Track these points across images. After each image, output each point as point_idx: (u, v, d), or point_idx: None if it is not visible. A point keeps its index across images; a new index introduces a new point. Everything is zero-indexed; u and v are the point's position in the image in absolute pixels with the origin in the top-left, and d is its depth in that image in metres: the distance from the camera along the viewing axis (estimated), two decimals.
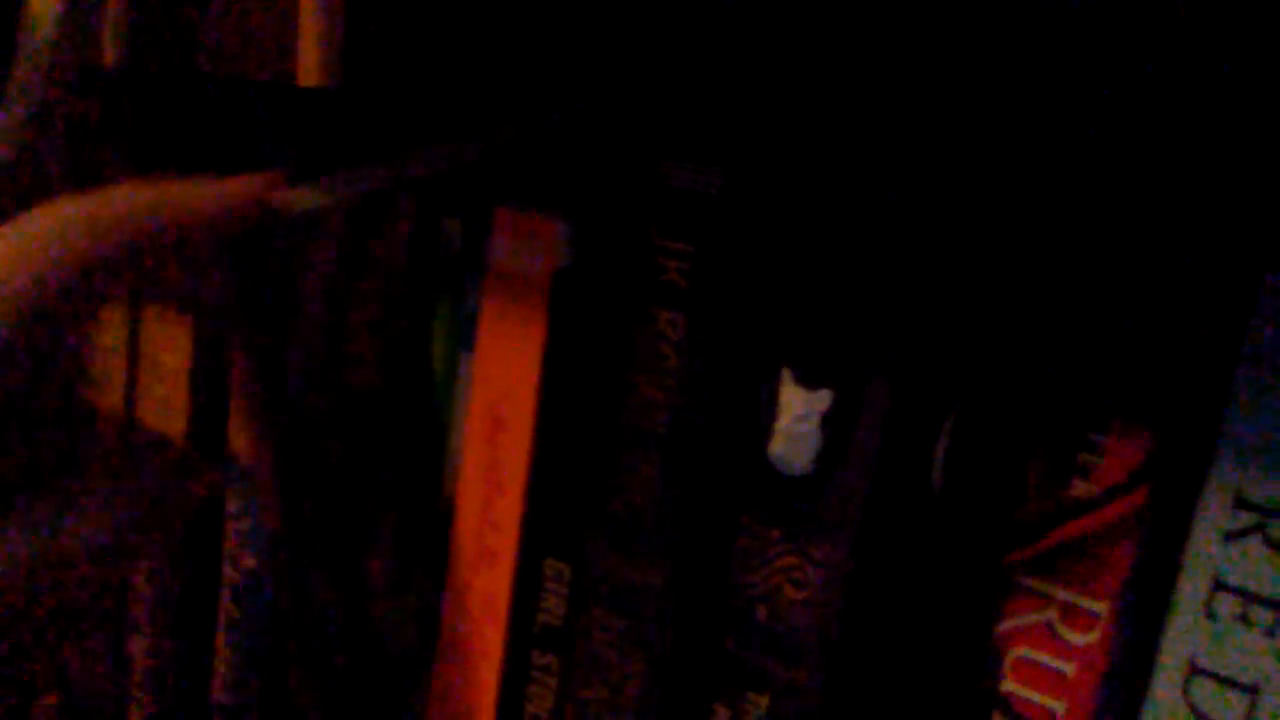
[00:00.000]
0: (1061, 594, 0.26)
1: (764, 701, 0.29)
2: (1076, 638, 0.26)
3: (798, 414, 0.28)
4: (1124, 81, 0.30)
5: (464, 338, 0.36)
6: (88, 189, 0.50)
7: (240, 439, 0.40)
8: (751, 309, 0.29)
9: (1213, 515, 0.24)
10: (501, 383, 0.35)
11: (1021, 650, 0.27)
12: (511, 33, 0.43)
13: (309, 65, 0.56)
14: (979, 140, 0.32)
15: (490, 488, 0.35)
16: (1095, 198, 0.27)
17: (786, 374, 0.28)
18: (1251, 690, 0.24)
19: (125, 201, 0.26)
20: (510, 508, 0.35)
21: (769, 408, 0.28)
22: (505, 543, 0.35)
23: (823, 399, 0.27)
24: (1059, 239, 0.27)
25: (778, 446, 0.28)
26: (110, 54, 0.50)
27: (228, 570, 0.41)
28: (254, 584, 0.41)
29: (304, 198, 0.30)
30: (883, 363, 0.27)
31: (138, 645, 0.45)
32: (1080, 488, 0.26)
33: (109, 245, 0.25)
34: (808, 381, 0.28)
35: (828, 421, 0.27)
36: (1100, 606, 0.26)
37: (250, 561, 0.41)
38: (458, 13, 0.41)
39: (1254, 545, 0.24)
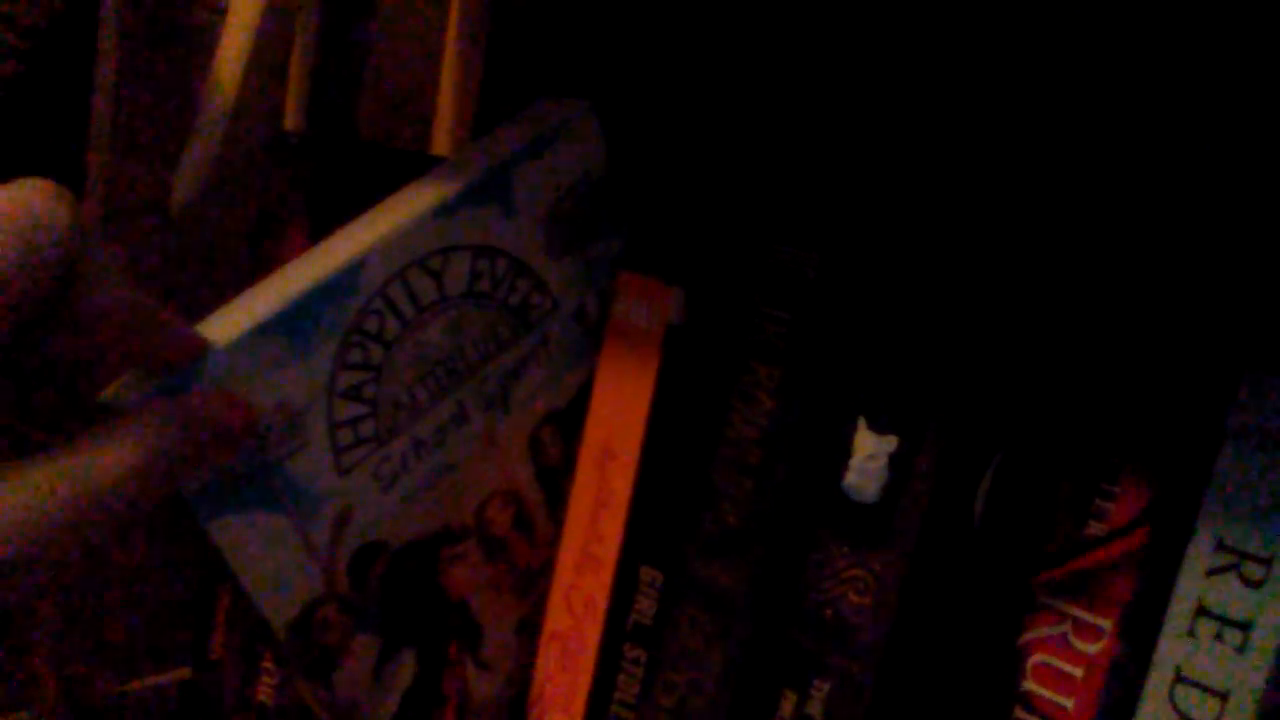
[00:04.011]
0: (1075, 611, 0.32)
1: (826, 687, 0.35)
2: (1086, 648, 0.32)
3: (869, 453, 0.34)
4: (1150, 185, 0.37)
5: None
6: (265, 240, 0.57)
7: None
8: (836, 367, 0.36)
9: (1199, 554, 0.31)
10: (614, 419, 0.42)
11: (1040, 656, 0.33)
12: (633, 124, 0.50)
13: (444, 138, 0.65)
14: (1023, 243, 0.39)
15: (597, 507, 0.42)
16: (1117, 297, 0.34)
17: (861, 421, 0.35)
18: (1223, 695, 0.30)
19: None
20: (614, 522, 0.42)
21: (845, 447, 0.35)
22: (608, 552, 0.42)
23: (890, 443, 0.34)
24: (1093, 329, 0.33)
25: (851, 478, 0.35)
26: (291, 121, 0.58)
27: None
28: None
29: None
30: (940, 417, 0.34)
31: None
32: (1095, 526, 0.32)
33: None
34: (878, 428, 0.34)
35: (894, 461, 0.34)
36: (1106, 623, 0.32)
37: None
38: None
39: (1230, 580, 0.30)
